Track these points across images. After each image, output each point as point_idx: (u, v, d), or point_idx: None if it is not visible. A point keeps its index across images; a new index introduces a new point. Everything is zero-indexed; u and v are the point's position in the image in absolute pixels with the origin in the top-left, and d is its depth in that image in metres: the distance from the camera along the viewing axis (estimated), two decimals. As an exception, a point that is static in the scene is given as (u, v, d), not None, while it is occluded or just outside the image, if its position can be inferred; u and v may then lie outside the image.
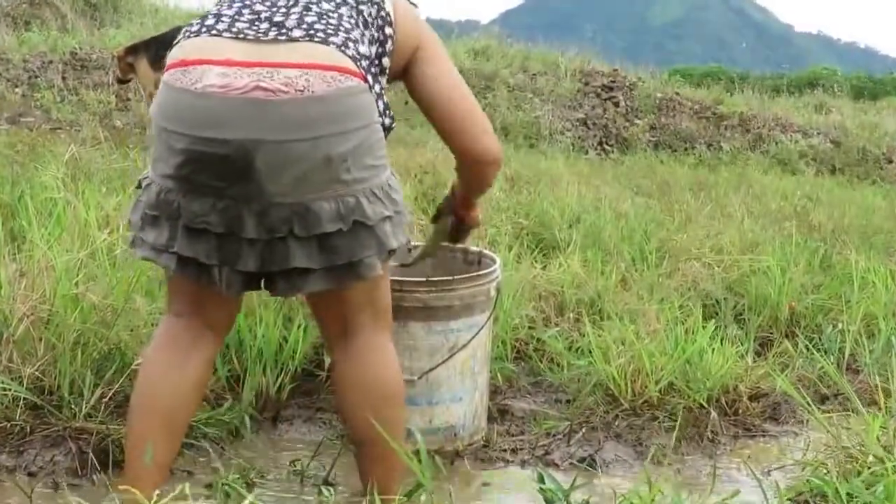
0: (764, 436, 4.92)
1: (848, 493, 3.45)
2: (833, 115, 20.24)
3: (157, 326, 3.54)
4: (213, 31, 3.23)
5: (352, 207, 3.18)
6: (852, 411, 4.28)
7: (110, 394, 4.02)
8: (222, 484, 3.60)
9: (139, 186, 3.33)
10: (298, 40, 3.19)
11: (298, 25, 3.23)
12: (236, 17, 3.28)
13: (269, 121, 3.08)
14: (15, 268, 4.51)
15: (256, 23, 3.24)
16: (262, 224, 3.14)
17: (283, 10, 3.29)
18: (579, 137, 18.00)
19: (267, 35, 3.20)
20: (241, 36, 3.19)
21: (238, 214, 3.13)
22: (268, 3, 3.32)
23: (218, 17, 3.30)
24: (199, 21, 3.34)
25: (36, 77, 15.38)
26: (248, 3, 3.34)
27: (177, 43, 3.28)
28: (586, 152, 17.02)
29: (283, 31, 3.22)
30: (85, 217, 5.48)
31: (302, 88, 3.10)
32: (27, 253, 4.81)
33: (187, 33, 3.29)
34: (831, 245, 8.24)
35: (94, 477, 3.80)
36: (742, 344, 5.68)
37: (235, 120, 3.08)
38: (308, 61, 3.15)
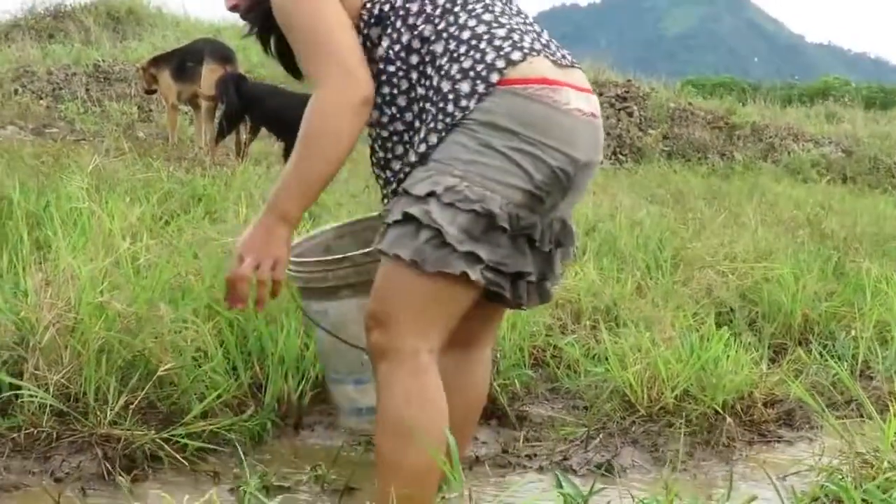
0: (779, 441, 4.92)
1: (864, 500, 3.44)
2: (844, 124, 20.21)
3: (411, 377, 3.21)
4: (544, 54, 3.18)
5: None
6: (866, 417, 4.26)
7: (135, 401, 4.02)
8: (244, 490, 3.60)
9: (431, 195, 3.08)
10: (575, 65, 3.27)
11: (560, 48, 3.28)
12: (537, 37, 3.25)
13: (600, 144, 3.25)
14: (41, 276, 4.51)
15: (548, 45, 3.25)
16: (550, 237, 3.20)
17: (541, 31, 3.31)
18: (593, 147, 17.97)
19: (564, 59, 3.23)
20: (554, 59, 3.20)
21: (544, 228, 3.16)
22: (528, 22, 3.32)
23: (532, 36, 3.23)
24: (516, 37, 3.20)
25: (60, 89, 15.43)
26: (519, 20, 3.29)
27: (485, 55, 3.16)
28: (600, 163, 17.00)
29: (566, 54, 3.26)
30: (109, 227, 5.48)
31: (598, 113, 3.24)
32: (53, 262, 4.80)
33: (506, 49, 3.18)
34: (844, 253, 8.23)
35: (120, 482, 3.79)
36: (756, 351, 5.68)
37: (587, 142, 3.17)
38: (589, 86, 3.27)
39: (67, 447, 3.98)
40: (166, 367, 4.08)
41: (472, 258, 3.03)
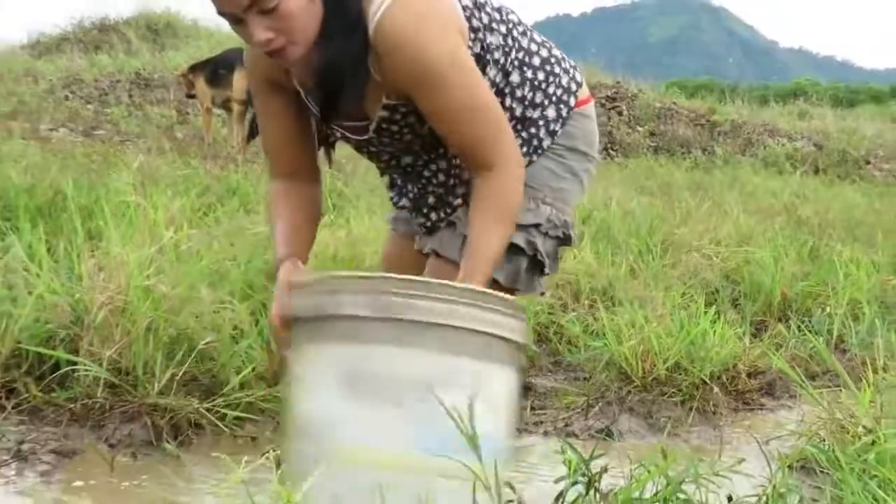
0: (761, 409, 4.93)
1: (837, 460, 3.44)
2: (815, 121, 20.18)
3: None
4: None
5: None
6: (842, 387, 4.26)
7: (179, 374, 4.01)
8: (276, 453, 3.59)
9: (537, 226, 3.02)
10: None
11: None
12: None
13: None
14: (93, 263, 4.52)
15: None
16: None
17: None
18: (587, 143, 17.98)
19: None
20: None
21: None
22: None
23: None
24: (565, 58, 3.21)
25: (106, 95, 15.44)
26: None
27: (559, 78, 3.12)
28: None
29: None
30: (153, 218, 5.49)
31: None
32: (104, 250, 4.81)
33: (570, 70, 3.18)
34: (818, 238, 8.23)
35: (167, 447, 3.80)
36: (739, 327, 5.69)
37: None
38: None
39: (119, 416, 3.98)
40: (206, 342, 4.07)
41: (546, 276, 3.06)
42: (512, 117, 3.02)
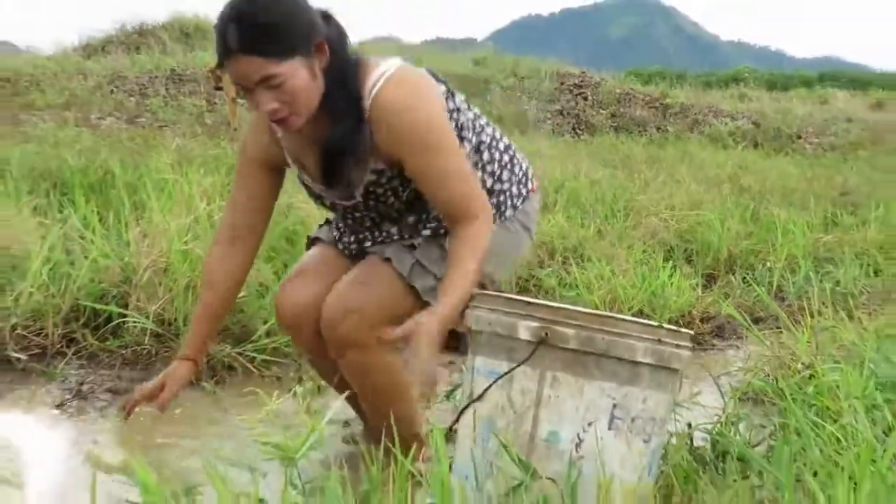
0: (713, 349, 4.92)
1: (781, 391, 3.43)
2: (753, 103, 20.16)
3: None
4: None
5: None
6: (783, 329, 4.25)
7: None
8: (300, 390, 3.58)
9: None
10: None
11: None
12: None
13: None
14: (139, 231, 4.52)
15: None
16: None
17: None
18: (557, 124, 17.93)
19: None
20: None
21: None
22: None
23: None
24: (516, 148, 3.22)
25: (145, 89, 15.37)
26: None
27: (521, 164, 3.18)
28: (563, 136, 16.94)
29: None
30: (189, 191, 5.46)
31: None
32: (147, 219, 4.80)
33: (525, 160, 3.24)
34: (758, 203, 8.22)
35: (205, 386, 3.79)
36: (693, 279, 5.68)
37: None
38: None
39: (163, 360, 3.98)
40: (237, 297, 4.05)
41: None
42: (483, 187, 3.02)
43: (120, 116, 12.35)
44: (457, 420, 2.36)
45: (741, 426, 3.06)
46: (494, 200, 3.05)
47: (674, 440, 2.73)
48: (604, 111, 19.04)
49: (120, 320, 4.11)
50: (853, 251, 6.56)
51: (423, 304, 2.87)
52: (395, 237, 3.04)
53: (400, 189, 2.91)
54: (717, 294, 5.56)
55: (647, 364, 2.24)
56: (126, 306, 4.14)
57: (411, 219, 3.02)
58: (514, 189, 3.10)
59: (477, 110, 3.14)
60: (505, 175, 3.08)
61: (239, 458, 2.44)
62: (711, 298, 5.43)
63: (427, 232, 3.01)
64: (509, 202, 3.09)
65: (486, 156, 3.05)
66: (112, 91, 15.02)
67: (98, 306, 4.14)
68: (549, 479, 2.18)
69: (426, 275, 2.94)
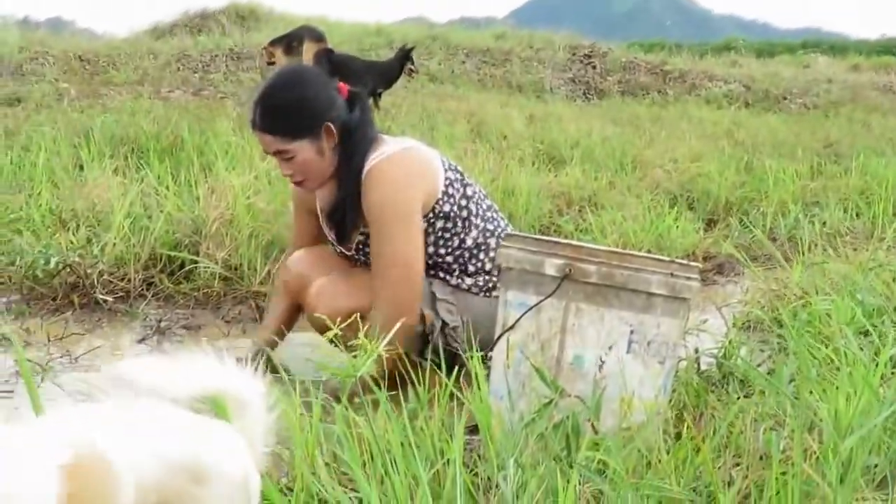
0: (714, 284, 4.85)
1: (778, 320, 3.39)
2: (744, 68, 19.89)
3: None
4: None
5: None
6: (777, 266, 4.20)
7: (275, 268, 3.98)
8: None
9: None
10: None
11: None
12: None
13: None
14: (207, 187, 4.51)
15: None
16: None
17: None
18: (570, 90, 17.76)
19: None
20: None
21: None
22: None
23: None
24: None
25: (208, 66, 15.36)
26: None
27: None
28: (575, 100, 16.78)
29: None
30: (250, 152, 5.45)
31: None
32: (214, 177, 4.79)
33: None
34: (751, 155, 8.09)
35: (268, 323, 3.79)
36: (695, 223, 5.61)
37: None
38: None
39: (231, 301, 4.00)
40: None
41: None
42: (482, 268, 3.09)
43: (186, 90, 12.32)
44: (492, 347, 2.34)
45: (743, 350, 3.02)
46: (486, 279, 3.09)
47: (684, 363, 2.70)
48: (611, 78, 18.84)
49: (192, 266, 4.10)
50: (837, 196, 6.46)
51: None
52: None
53: None
54: (717, 236, 5.49)
55: (661, 295, 2.21)
56: (197, 253, 4.13)
57: None
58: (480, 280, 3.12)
59: (493, 204, 3.23)
60: (471, 268, 3.11)
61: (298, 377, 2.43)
62: (712, 240, 5.37)
63: None
64: (499, 284, 3.10)
65: (492, 243, 3.10)
66: (178, 68, 15.02)
67: (173, 254, 4.14)
68: (575, 396, 2.16)
69: None
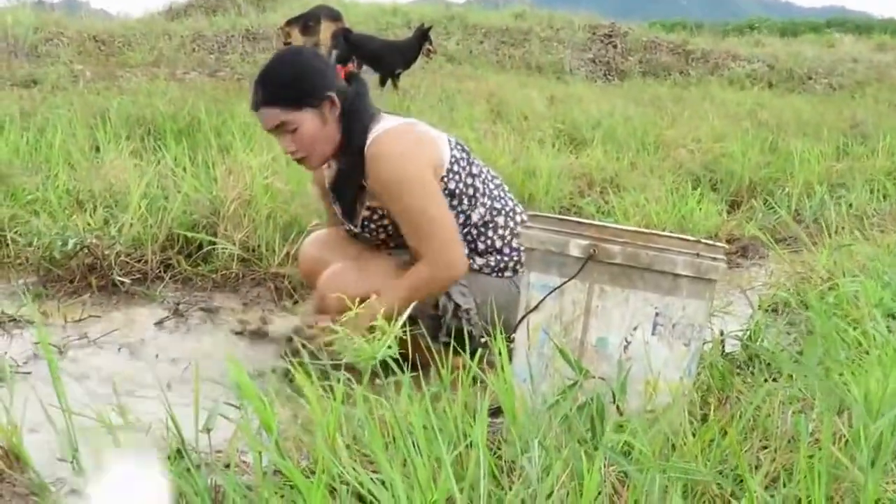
0: (738, 267, 4.83)
1: (804, 303, 3.37)
2: (767, 48, 19.74)
3: None
4: None
5: None
6: (803, 248, 4.18)
7: (293, 250, 3.98)
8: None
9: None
10: None
11: None
12: None
13: None
14: (225, 168, 4.51)
15: None
16: None
17: None
18: (591, 71, 17.69)
19: None
20: None
21: None
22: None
23: None
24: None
25: (224, 47, 15.37)
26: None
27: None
28: (596, 81, 16.71)
29: None
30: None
31: None
32: (233, 157, 4.80)
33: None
34: (776, 135, 8.05)
35: (285, 304, 3.79)
36: (718, 205, 5.59)
37: None
38: None
39: (249, 283, 4.01)
40: (313, 224, 4.02)
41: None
42: (492, 246, 3.11)
43: (202, 71, 12.34)
44: (515, 329, 2.34)
45: (769, 333, 3.00)
46: (498, 258, 3.10)
47: (709, 346, 2.69)
48: (632, 58, 18.75)
49: (210, 247, 4.11)
50: (864, 177, 6.41)
51: None
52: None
53: (390, 227, 3.10)
54: (741, 218, 5.47)
55: (687, 276, 2.20)
56: (215, 235, 4.14)
57: (406, 258, 3.10)
58: (518, 258, 3.11)
59: (502, 183, 3.25)
60: (514, 243, 3.12)
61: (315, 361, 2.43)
62: (736, 222, 5.35)
63: None
64: (510, 264, 3.11)
65: (500, 220, 3.12)
66: (194, 49, 15.04)
67: (190, 235, 4.15)
68: (600, 378, 2.15)
69: None
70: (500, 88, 10.97)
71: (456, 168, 3.03)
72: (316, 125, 2.97)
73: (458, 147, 3.10)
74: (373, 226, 3.12)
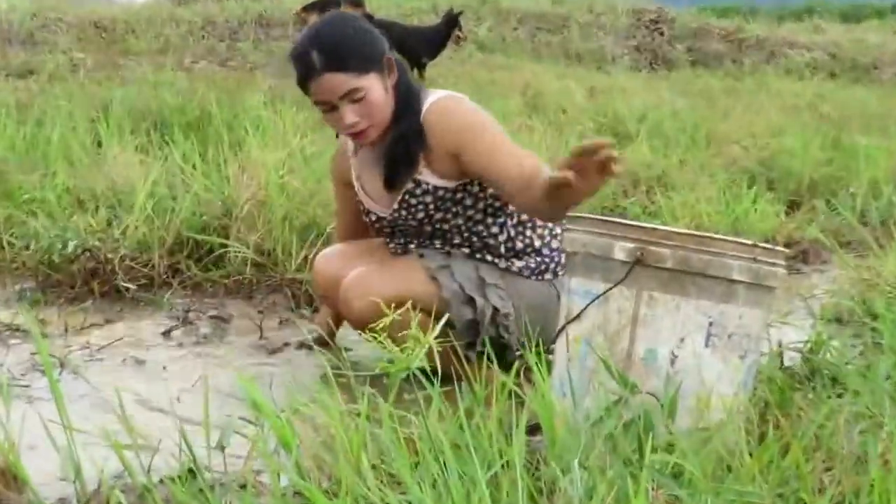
0: (798, 273, 4.80)
1: (871, 312, 3.35)
2: (828, 35, 19.67)
3: None
4: None
5: None
6: (868, 253, 4.16)
7: (311, 254, 4.00)
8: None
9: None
10: None
11: None
12: None
13: None
14: (238, 165, 4.54)
15: None
16: None
17: None
18: (634, 60, 17.69)
19: None
20: None
21: None
22: None
23: None
24: None
25: (235, 34, 15.46)
26: None
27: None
28: (640, 71, 16.70)
29: None
30: (283, 127, 5.50)
31: None
32: (246, 153, 4.82)
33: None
34: (839, 130, 8.01)
35: (304, 313, 3.80)
36: (776, 205, 5.57)
37: None
38: None
39: (265, 289, 4.04)
40: (332, 227, 4.04)
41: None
42: (530, 245, 3.12)
43: (212, 60, 12.44)
44: (554, 340, 2.34)
45: (832, 345, 2.99)
46: (538, 260, 3.12)
47: (766, 358, 2.68)
48: (680, 46, 18.73)
49: (221, 251, 4.14)
50: (936, 176, 6.40)
51: (441, 304, 2.97)
52: (437, 246, 3.16)
53: (430, 206, 3.06)
54: (801, 219, 5.46)
55: (743, 282, 2.19)
56: (227, 237, 4.16)
57: (437, 243, 3.14)
58: (558, 259, 3.12)
59: None
60: (554, 244, 3.13)
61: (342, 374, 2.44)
62: (795, 224, 5.33)
63: (466, 250, 3.12)
64: (551, 266, 3.12)
65: (538, 219, 3.12)
66: (203, 36, 15.14)
67: (201, 237, 4.18)
68: (647, 393, 2.15)
69: (452, 280, 3.02)
70: (536, 79, 10.97)
71: None
72: (381, 91, 2.95)
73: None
74: (413, 201, 3.06)
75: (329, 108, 2.95)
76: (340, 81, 2.88)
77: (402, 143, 3.02)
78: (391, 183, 3.09)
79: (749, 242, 2.25)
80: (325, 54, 2.87)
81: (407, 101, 3.02)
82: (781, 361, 2.78)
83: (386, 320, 2.23)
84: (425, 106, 3.02)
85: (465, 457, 1.81)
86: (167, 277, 4.05)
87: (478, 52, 15.50)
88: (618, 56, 17.69)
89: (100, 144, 5.67)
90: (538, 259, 3.10)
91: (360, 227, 3.34)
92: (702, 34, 19.21)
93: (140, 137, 5.87)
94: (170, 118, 6.39)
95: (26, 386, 2.91)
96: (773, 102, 10.29)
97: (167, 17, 15.51)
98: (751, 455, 1.94)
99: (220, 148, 5.07)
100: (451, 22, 11.52)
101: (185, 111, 6.53)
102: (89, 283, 3.89)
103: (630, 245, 2.21)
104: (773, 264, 2.22)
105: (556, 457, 1.91)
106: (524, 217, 3.10)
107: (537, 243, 3.11)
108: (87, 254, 3.93)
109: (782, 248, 2.31)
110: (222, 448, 2.04)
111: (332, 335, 3.31)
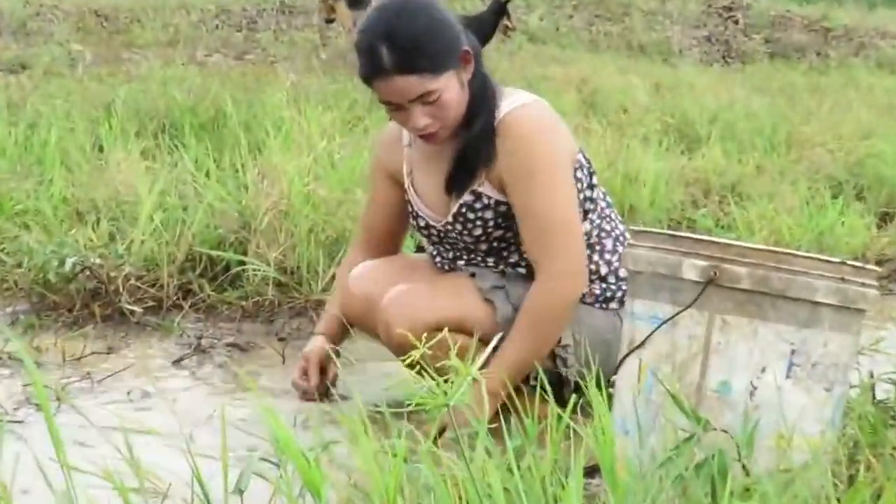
0: (891, 293, 4.78)
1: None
2: (927, 23, 19.65)
3: None
4: None
5: None
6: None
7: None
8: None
9: None
10: None
11: None
12: None
13: None
14: (257, 172, 4.56)
15: None
16: None
17: None
18: (705, 52, 17.68)
19: None
20: None
21: None
22: None
23: None
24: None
25: (254, 23, 15.57)
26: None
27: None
28: (711, 65, 16.68)
29: None
30: (308, 130, 5.53)
31: None
32: (266, 159, 4.85)
33: None
34: (938, 132, 7.97)
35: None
36: (866, 217, 5.55)
37: None
38: None
39: (287, 312, 4.05)
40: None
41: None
42: (596, 271, 3.12)
43: (227, 53, 12.51)
44: (616, 370, 2.34)
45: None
46: (602, 287, 3.12)
47: (856, 392, 2.67)
48: (757, 36, 18.70)
49: (239, 269, 4.15)
50: None
51: (493, 327, 2.91)
52: (489, 264, 3.14)
53: (490, 223, 3.04)
54: (895, 234, 5.43)
55: (829, 304, 2.18)
56: (245, 253, 4.18)
57: (491, 261, 3.12)
58: (626, 288, 2.99)
59: (614, 208, 3.30)
60: (622, 272, 3.09)
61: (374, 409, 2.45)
62: (888, 238, 5.32)
63: (522, 270, 3.10)
64: (618, 295, 3.12)
65: (608, 244, 3.14)
66: (217, 26, 15.25)
67: (215, 253, 4.20)
68: (721, 430, 2.15)
69: (506, 302, 3.01)
70: (594, 74, 11.00)
71: (579, 174, 3.05)
72: (457, 89, 2.91)
73: (582, 153, 3.11)
74: (470, 215, 3.03)
75: (396, 107, 2.91)
76: (413, 84, 2.83)
77: (476, 145, 2.99)
78: (455, 186, 3.06)
79: (836, 260, 2.24)
80: (398, 52, 2.80)
81: (483, 98, 2.98)
82: (873, 394, 2.77)
83: (430, 344, 2.22)
84: (503, 109, 2.97)
85: (515, 502, 1.82)
86: (177, 299, 4.08)
87: (528, 44, 15.52)
88: (686, 48, 17.68)
89: (101, 149, 5.71)
90: (603, 286, 3.11)
91: (390, 227, 3.34)
92: (781, 23, 19.18)
93: (146, 140, 5.91)
94: (180, 119, 6.43)
95: (20, 422, 2.92)
96: (863, 100, 10.23)
97: (177, 4, 15.65)
98: (839, 501, 1.94)
99: (237, 152, 5.11)
100: (499, 10, 11.51)
101: (198, 111, 6.57)
102: (90, 305, 3.91)
103: (701, 263, 2.21)
104: (864, 284, 2.21)
105: (618, 503, 1.91)
106: (593, 240, 3.11)
107: (604, 270, 3.11)
108: (88, 272, 3.95)
109: (873, 267, 2.30)
110: (240, 491, 2.05)
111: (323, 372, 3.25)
